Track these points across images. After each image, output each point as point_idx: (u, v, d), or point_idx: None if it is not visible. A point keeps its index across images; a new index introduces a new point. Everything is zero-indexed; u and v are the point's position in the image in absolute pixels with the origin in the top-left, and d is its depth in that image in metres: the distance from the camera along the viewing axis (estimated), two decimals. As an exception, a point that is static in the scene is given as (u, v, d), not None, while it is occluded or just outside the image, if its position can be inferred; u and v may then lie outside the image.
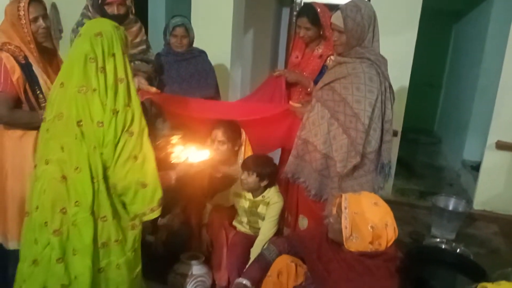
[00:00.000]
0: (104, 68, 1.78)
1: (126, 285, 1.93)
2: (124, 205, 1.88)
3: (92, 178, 1.77)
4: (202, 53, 3.22)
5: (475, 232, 3.75)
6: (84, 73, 1.76)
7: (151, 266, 2.63)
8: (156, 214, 1.90)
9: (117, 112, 1.78)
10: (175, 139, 2.20)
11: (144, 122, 1.86)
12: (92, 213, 1.79)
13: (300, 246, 2.17)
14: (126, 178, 1.80)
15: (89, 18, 2.67)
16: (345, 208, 1.92)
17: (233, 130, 2.70)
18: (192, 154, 2.18)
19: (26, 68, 2.23)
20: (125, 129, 1.79)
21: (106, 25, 1.85)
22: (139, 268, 2.01)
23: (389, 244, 1.93)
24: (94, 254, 1.82)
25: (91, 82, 1.76)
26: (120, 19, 2.66)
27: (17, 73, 2.21)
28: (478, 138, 4.45)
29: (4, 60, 2.20)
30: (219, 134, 2.67)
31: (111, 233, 1.85)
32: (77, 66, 1.77)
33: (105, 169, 1.79)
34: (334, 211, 2.00)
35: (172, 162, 2.08)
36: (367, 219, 1.91)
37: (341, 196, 1.99)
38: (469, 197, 4.17)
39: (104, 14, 2.63)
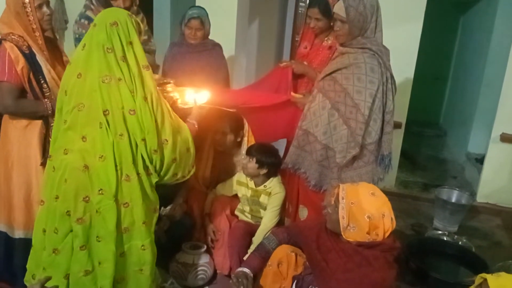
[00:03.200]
0: (125, 57, 1.82)
1: (150, 265, 1.99)
2: (152, 188, 1.96)
3: (116, 166, 1.81)
4: (216, 46, 3.18)
5: (477, 224, 3.75)
6: (106, 63, 1.80)
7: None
8: (193, 170, 2.10)
9: (147, 98, 1.83)
10: (169, 87, 2.23)
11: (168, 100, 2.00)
12: (116, 200, 1.84)
13: (299, 236, 2.19)
14: (181, 151, 1.94)
15: (92, 10, 2.68)
16: (342, 198, 1.93)
17: (235, 121, 2.71)
18: (195, 96, 2.26)
19: (30, 57, 2.24)
20: (165, 111, 1.88)
21: (120, 14, 1.88)
22: (155, 250, 2.07)
23: (387, 234, 1.94)
24: (117, 240, 1.88)
25: (114, 72, 1.80)
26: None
27: (21, 63, 2.21)
28: (483, 130, 4.42)
29: (8, 50, 2.20)
30: (222, 125, 2.68)
31: (137, 217, 1.91)
32: (96, 57, 1.81)
33: (150, 154, 1.86)
34: (332, 201, 2.01)
35: (182, 107, 2.19)
36: (364, 209, 1.91)
37: (339, 186, 2.00)
38: (473, 190, 4.15)
39: (107, 7, 2.63)
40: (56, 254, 1.89)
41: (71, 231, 1.86)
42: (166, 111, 1.91)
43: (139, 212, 1.90)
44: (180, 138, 1.94)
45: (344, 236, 1.95)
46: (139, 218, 1.91)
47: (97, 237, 1.87)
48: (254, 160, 2.57)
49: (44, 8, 2.28)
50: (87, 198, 1.84)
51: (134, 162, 1.85)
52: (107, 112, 1.80)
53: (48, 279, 1.70)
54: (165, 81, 2.31)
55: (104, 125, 1.80)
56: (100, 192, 1.83)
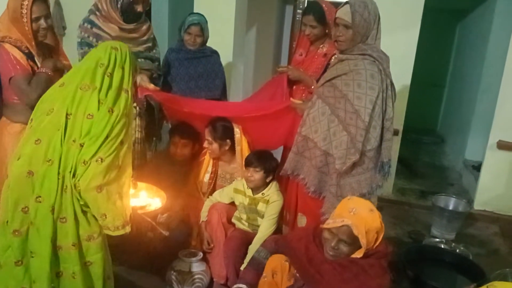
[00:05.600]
0: (112, 74, 1.85)
1: None
2: (85, 212, 1.80)
3: (58, 173, 1.72)
4: (214, 54, 3.22)
5: (475, 232, 3.74)
6: (92, 75, 1.82)
7: (149, 263, 2.66)
8: (127, 229, 1.83)
9: (112, 111, 1.79)
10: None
11: (131, 141, 1.91)
12: (53, 211, 1.73)
13: (286, 249, 2.16)
14: (111, 187, 1.76)
15: (96, 16, 2.69)
16: (358, 234, 1.89)
17: (219, 130, 2.70)
18: (141, 201, 2.19)
19: (29, 56, 2.30)
20: (119, 137, 1.80)
21: (123, 45, 1.97)
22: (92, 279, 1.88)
23: (379, 240, 1.97)
24: (52, 257, 1.76)
25: (95, 82, 1.81)
26: (139, 17, 2.71)
27: (23, 60, 2.27)
28: (480, 138, 4.43)
29: (9, 49, 2.26)
30: (206, 133, 2.70)
31: (70, 237, 1.77)
32: (85, 67, 1.85)
33: (78, 163, 1.72)
34: (331, 237, 1.97)
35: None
36: (373, 229, 1.94)
37: (345, 225, 1.92)
38: (470, 197, 4.15)
39: (127, 11, 2.66)
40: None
41: None
42: (121, 138, 1.80)
43: (71, 231, 1.76)
44: (117, 175, 1.79)
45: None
46: (70, 238, 1.77)
47: (31, 252, 1.75)
48: (262, 170, 2.56)
49: (41, 21, 2.30)
50: (26, 209, 1.74)
51: (72, 171, 1.73)
52: (69, 116, 1.77)
53: None
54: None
55: (61, 128, 1.75)
56: (38, 200, 1.71)
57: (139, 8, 2.68)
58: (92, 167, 1.71)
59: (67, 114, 1.76)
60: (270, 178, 2.61)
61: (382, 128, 2.32)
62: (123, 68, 1.89)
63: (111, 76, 1.85)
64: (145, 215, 2.07)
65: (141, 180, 2.38)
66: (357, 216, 1.93)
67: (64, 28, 4.23)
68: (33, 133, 1.80)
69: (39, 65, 2.33)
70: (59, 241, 1.77)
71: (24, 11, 2.23)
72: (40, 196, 1.72)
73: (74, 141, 1.74)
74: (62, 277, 1.81)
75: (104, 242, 1.89)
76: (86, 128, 1.75)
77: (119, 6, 2.65)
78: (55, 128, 1.76)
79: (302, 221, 2.59)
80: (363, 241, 1.89)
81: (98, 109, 1.77)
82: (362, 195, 2.28)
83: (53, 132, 1.76)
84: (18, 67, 2.25)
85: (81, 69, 1.86)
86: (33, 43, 2.29)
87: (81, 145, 1.73)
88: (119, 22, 2.67)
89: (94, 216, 1.80)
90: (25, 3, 2.23)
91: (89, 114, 1.76)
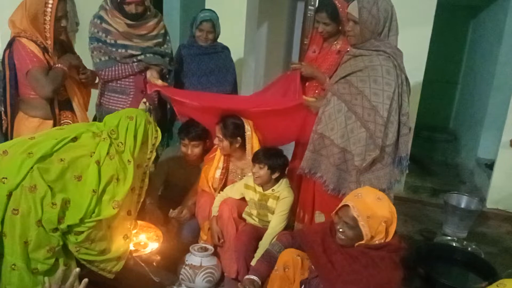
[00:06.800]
0: (124, 143, 1.99)
1: None
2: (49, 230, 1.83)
3: (31, 167, 1.78)
4: (225, 49, 3.25)
5: (487, 230, 3.71)
6: (103, 145, 1.97)
7: (161, 257, 2.69)
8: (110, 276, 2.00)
9: (118, 180, 1.94)
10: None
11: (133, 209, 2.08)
12: (8, 196, 1.76)
13: (304, 239, 2.18)
14: (99, 241, 1.93)
15: (106, 11, 2.71)
16: (358, 216, 1.91)
17: (230, 127, 2.69)
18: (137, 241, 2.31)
19: (45, 50, 2.34)
20: (114, 198, 1.91)
21: (140, 115, 2.09)
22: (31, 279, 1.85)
23: (393, 231, 1.96)
24: None
25: (105, 137, 1.97)
26: (137, 17, 2.71)
27: (40, 54, 2.31)
28: (493, 135, 4.39)
29: (25, 43, 2.29)
30: (217, 130, 2.71)
31: (21, 230, 1.77)
32: (100, 127, 2.06)
33: (87, 212, 1.84)
34: (338, 220, 2.00)
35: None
36: (380, 217, 1.93)
37: (346, 205, 1.97)
38: (483, 195, 4.11)
39: (122, 12, 2.67)
40: None
41: None
42: (116, 200, 1.93)
43: (28, 226, 1.77)
44: (105, 235, 1.93)
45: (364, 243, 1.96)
46: (23, 233, 1.77)
47: None
48: (266, 166, 2.55)
49: (62, 19, 2.36)
50: None
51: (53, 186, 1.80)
52: (75, 139, 1.92)
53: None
54: None
55: (60, 142, 1.87)
56: (2, 180, 1.76)
57: (132, 10, 2.66)
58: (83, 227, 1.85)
59: (74, 137, 1.91)
60: (276, 175, 2.59)
61: (399, 123, 2.33)
62: (135, 138, 2.02)
63: (124, 145, 2.00)
64: (139, 258, 2.20)
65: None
66: (360, 199, 1.95)
67: (77, 24, 4.27)
68: (33, 134, 1.94)
69: (55, 60, 2.37)
70: (5, 228, 1.78)
71: (49, 9, 2.28)
72: (6, 178, 1.77)
73: (61, 160, 1.84)
74: (3, 263, 1.82)
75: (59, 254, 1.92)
76: (93, 173, 1.87)
77: (113, 4, 2.69)
78: (53, 137, 1.89)
79: (320, 218, 2.59)
80: (362, 224, 1.90)
81: (104, 161, 1.90)
82: (382, 191, 2.27)
83: (50, 139, 1.87)
84: (35, 59, 2.29)
85: (96, 127, 2.05)
86: (51, 41, 2.34)
87: (94, 191, 1.85)
88: (122, 17, 2.69)
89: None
90: (50, 1, 2.27)
91: (97, 161, 1.89)
